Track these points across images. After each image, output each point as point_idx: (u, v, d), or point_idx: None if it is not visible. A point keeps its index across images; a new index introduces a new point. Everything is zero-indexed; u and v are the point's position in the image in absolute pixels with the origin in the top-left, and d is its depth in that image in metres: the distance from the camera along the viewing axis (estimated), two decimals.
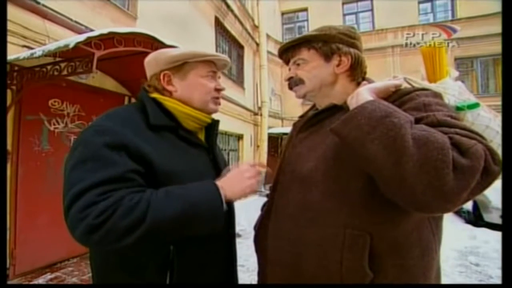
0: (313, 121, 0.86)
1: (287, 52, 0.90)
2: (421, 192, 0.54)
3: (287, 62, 0.92)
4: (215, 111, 0.92)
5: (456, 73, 0.86)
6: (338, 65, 0.83)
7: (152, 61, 0.89)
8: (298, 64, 0.87)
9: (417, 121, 0.61)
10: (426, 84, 0.82)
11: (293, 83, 0.89)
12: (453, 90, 0.78)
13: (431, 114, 0.63)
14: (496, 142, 0.69)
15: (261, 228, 0.91)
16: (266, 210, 0.91)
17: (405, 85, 0.78)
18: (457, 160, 0.53)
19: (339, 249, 0.68)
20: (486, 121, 0.72)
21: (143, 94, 0.86)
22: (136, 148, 0.70)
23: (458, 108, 0.75)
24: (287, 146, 0.94)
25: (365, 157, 0.61)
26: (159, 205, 0.65)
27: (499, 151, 0.65)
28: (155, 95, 0.86)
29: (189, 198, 0.68)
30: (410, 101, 0.69)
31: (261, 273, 0.90)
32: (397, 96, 0.71)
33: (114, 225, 0.60)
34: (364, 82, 0.82)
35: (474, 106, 0.75)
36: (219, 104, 0.93)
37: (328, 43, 0.82)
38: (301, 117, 1.00)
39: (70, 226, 0.63)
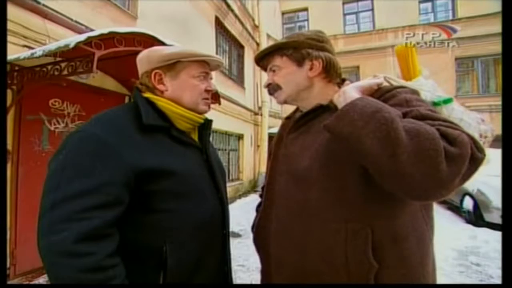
0: (301, 122, 0.89)
1: (262, 60, 0.94)
2: (419, 181, 0.57)
3: (264, 69, 0.96)
4: (205, 111, 0.92)
5: (427, 72, 0.91)
6: (310, 69, 0.86)
7: (144, 59, 0.87)
8: (274, 71, 0.91)
9: (402, 116, 0.65)
10: (403, 82, 0.87)
11: (272, 89, 0.92)
12: (427, 87, 0.84)
13: (414, 109, 0.67)
14: (470, 133, 0.74)
15: (261, 229, 0.91)
16: (265, 210, 0.91)
17: (385, 83, 0.83)
18: (448, 149, 0.57)
19: (342, 243, 0.70)
20: (460, 114, 0.79)
21: (136, 94, 0.85)
22: (121, 156, 0.70)
23: (435, 104, 0.81)
24: (278, 146, 0.95)
25: (361, 151, 0.64)
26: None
27: None
28: (148, 94, 0.85)
29: None
30: (392, 97, 0.73)
31: (265, 272, 0.90)
32: (379, 94, 0.76)
33: (80, 266, 0.61)
34: (347, 82, 0.86)
35: (449, 101, 0.81)
36: (209, 104, 0.93)
37: (298, 49, 0.86)
38: (287, 118, 1.03)
39: (42, 231, 0.63)
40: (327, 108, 0.82)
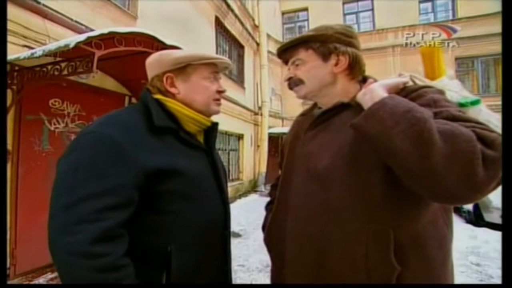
0: (321, 119, 0.86)
1: (285, 52, 0.91)
2: (452, 184, 0.55)
3: (286, 62, 0.93)
4: (217, 112, 0.93)
5: (451, 72, 0.88)
6: (336, 65, 0.83)
7: (155, 62, 0.88)
8: (297, 65, 0.88)
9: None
10: (428, 81, 0.84)
11: (293, 83, 0.89)
12: (453, 87, 0.81)
13: (443, 109, 0.64)
14: None
15: (275, 229, 0.90)
16: (279, 210, 0.90)
17: (410, 82, 0.80)
18: (485, 152, 0.55)
19: (364, 244, 0.69)
20: (487, 116, 0.75)
21: (147, 95, 0.85)
22: (134, 157, 0.70)
23: (461, 105, 0.77)
24: (294, 144, 0.92)
25: (389, 151, 0.61)
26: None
27: None
28: (158, 96, 0.86)
29: None
30: (419, 97, 0.70)
31: (277, 273, 0.89)
32: (405, 93, 0.73)
33: (97, 266, 0.61)
34: (371, 80, 0.83)
35: (476, 102, 0.77)
36: (220, 105, 0.94)
37: (325, 43, 0.83)
38: (302, 115, 0.99)
39: (56, 231, 0.63)
40: (348, 106, 0.80)
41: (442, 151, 0.55)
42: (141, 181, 0.70)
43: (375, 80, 0.81)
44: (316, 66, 0.84)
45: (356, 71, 0.85)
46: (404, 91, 0.74)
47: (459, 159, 0.54)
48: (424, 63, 0.90)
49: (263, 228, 1.00)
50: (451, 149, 0.55)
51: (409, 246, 0.68)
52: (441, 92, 0.74)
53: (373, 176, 0.70)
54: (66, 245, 0.61)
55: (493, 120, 0.75)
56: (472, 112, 0.76)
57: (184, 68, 0.86)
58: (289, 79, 0.90)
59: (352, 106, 0.78)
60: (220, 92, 0.92)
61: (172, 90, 0.86)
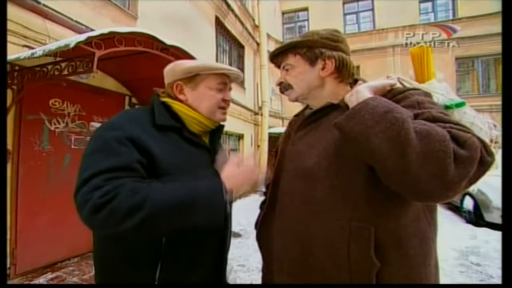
0: (311, 119, 0.89)
1: (276, 58, 0.96)
2: (425, 181, 0.57)
3: (278, 66, 0.97)
4: (222, 120, 0.98)
5: (441, 75, 0.92)
6: (322, 69, 0.87)
7: (169, 71, 0.96)
8: (287, 70, 0.92)
9: (414, 117, 0.65)
10: (416, 84, 0.87)
11: (283, 88, 0.94)
12: (441, 90, 0.84)
13: (426, 111, 0.67)
14: (481, 137, 0.74)
15: (264, 225, 0.92)
16: (269, 207, 0.92)
17: (398, 84, 0.83)
18: (457, 151, 0.57)
19: (345, 241, 0.71)
20: (471, 118, 0.79)
21: (155, 98, 0.94)
22: (141, 141, 0.77)
23: (447, 107, 0.81)
24: (285, 144, 0.95)
25: (369, 150, 0.64)
26: (159, 190, 0.70)
27: None
28: (165, 99, 0.92)
29: (190, 186, 0.74)
30: (404, 99, 0.73)
31: (266, 269, 0.91)
32: (391, 95, 0.76)
33: (116, 206, 0.66)
34: (360, 82, 0.86)
35: (461, 104, 0.81)
36: (226, 113, 0.98)
37: (312, 48, 0.87)
38: (296, 116, 1.03)
39: (78, 207, 0.69)
40: (337, 107, 0.83)
41: (417, 149, 0.57)
42: (146, 163, 0.76)
43: (364, 82, 0.83)
44: (304, 71, 0.88)
45: (344, 74, 0.88)
46: (390, 93, 0.77)
47: (432, 157, 0.56)
48: (414, 65, 0.94)
49: (256, 226, 1.03)
50: (425, 148, 0.57)
51: (390, 244, 0.70)
52: (427, 94, 0.76)
53: (356, 175, 0.72)
54: (90, 210, 0.66)
55: (478, 123, 0.79)
56: (457, 114, 0.80)
57: (193, 77, 0.92)
58: (280, 83, 0.94)
59: (341, 107, 0.80)
60: (225, 100, 0.96)
61: (181, 97, 0.93)
